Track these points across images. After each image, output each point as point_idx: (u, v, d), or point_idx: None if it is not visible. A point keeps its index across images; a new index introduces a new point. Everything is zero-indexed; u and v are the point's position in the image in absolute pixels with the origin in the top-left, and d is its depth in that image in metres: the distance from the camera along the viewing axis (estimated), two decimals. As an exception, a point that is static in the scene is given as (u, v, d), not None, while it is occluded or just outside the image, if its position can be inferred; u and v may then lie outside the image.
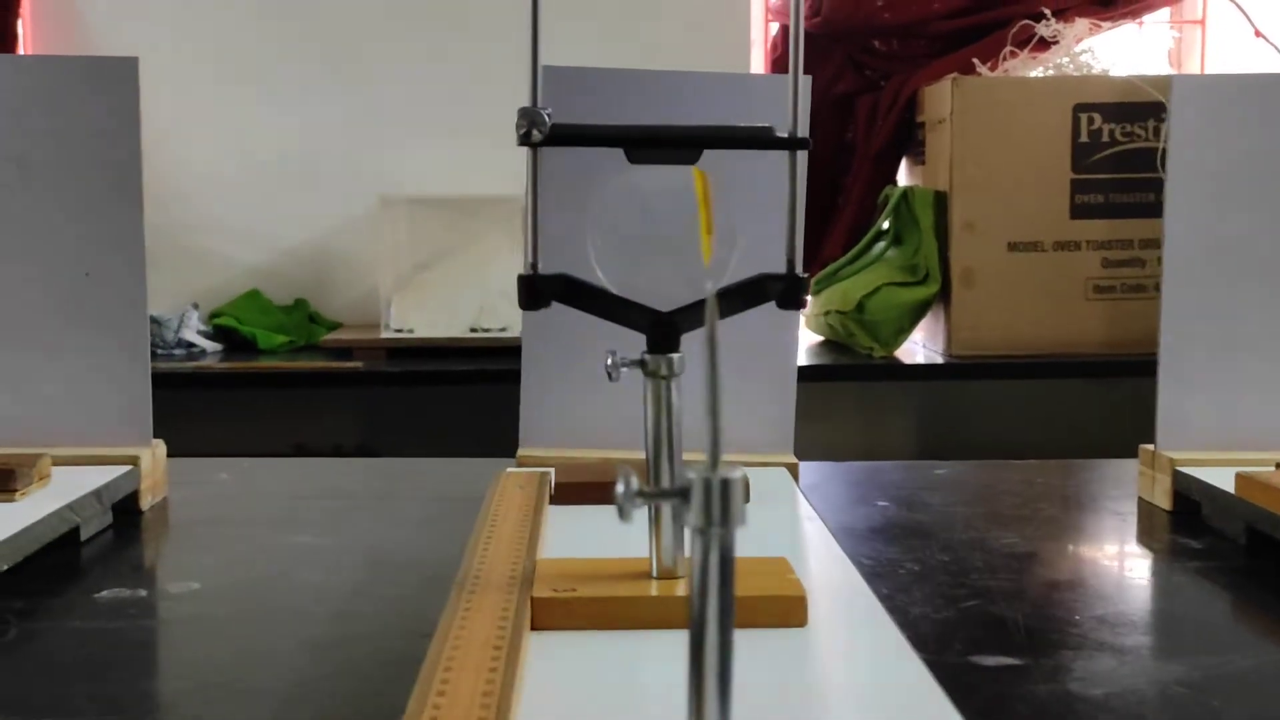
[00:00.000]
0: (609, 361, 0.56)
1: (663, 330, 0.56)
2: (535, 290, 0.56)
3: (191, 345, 2.32)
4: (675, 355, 0.56)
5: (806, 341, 2.33)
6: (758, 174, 0.68)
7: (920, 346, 2.29)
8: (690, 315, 0.57)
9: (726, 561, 0.34)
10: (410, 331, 2.29)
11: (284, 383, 2.22)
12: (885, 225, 2.27)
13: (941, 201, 2.16)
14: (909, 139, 2.40)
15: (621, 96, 0.84)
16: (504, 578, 0.58)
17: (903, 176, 2.45)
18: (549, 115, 0.55)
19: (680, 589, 0.57)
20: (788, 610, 0.55)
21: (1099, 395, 2.34)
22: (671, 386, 0.56)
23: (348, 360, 2.22)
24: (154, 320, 2.31)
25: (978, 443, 2.35)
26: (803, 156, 0.58)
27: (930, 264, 2.16)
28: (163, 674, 0.61)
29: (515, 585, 0.57)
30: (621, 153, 0.57)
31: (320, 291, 2.52)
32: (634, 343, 0.58)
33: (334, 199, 2.49)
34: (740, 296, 0.57)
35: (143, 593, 0.70)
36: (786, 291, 0.57)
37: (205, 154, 2.49)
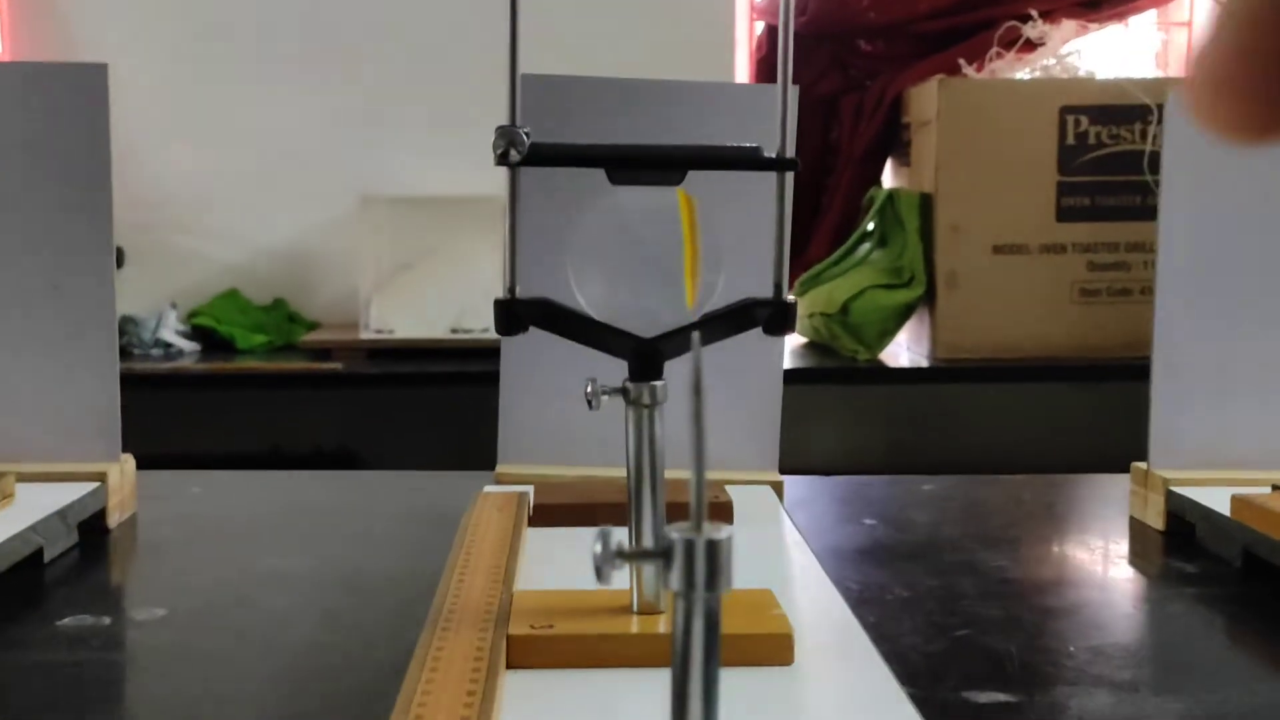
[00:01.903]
0: (588, 389, 0.54)
1: (646, 357, 0.54)
2: (513, 316, 0.54)
3: (169, 345, 2.29)
4: (658, 383, 0.54)
5: (790, 344, 2.31)
6: (742, 192, 0.66)
7: (905, 349, 2.27)
8: (674, 341, 0.55)
9: (712, 628, 0.31)
10: (390, 332, 2.27)
11: (262, 384, 2.19)
12: (870, 227, 2.25)
13: (927, 204, 2.15)
14: (894, 140, 2.38)
15: (601, 106, 0.82)
16: (479, 612, 0.56)
17: (888, 178, 2.43)
18: (527, 134, 0.53)
19: (662, 625, 0.55)
20: (774, 648, 0.53)
21: (1084, 398, 2.33)
22: (655, 415, 0.54)
23: (327, 361, 2.19)
24: (131, 320, 2.28)
25: (962, 446, 2.34)
26: (790, 178, 0.56)
27: (915, 267, 2.14)
28: (125, 714, 0.58)
29: (491, 620, 0.55)
30: (601, 171, 0.54)
31: (299, 291, 2.49)
32: (616, 364, 0.56)
33: (314, 198, 2.47)
34: (726, 322, 0.55)
35: (106, 620, 0.67)
36: (773, 317, 0.55)
37: (185, 153, 2.46)
